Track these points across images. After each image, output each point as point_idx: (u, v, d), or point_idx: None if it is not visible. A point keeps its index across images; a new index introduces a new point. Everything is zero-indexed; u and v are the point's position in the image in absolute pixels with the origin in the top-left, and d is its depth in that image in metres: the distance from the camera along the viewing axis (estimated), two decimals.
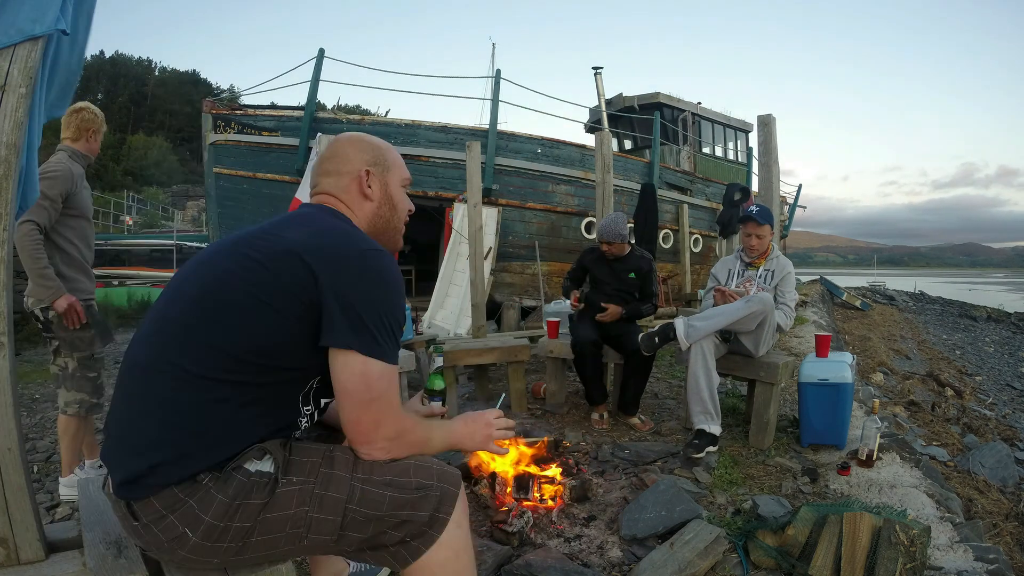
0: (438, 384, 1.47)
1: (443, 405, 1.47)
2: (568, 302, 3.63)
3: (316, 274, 1.03)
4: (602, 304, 3.42)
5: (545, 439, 2.66)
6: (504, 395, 1.87)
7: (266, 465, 1.03)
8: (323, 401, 1.19)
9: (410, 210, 1.33)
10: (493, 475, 2.40)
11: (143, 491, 0.98)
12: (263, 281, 1.04)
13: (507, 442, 2.48)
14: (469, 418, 1.30)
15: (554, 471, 2.43)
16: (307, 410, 1.15)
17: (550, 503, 2.27)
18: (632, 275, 3.50)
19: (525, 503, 2.24)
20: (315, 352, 1.06)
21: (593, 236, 8.21)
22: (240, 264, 1.06)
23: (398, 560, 1.11)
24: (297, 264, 1.04)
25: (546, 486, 2.32)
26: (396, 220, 1.29)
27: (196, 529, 0.98)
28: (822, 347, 3.00)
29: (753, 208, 3.20)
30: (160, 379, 1.02)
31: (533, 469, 2.41)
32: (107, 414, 1.11)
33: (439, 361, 1.53)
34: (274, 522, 1.01)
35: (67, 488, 2.49)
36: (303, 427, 1.16)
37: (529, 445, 2.57)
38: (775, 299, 3.04)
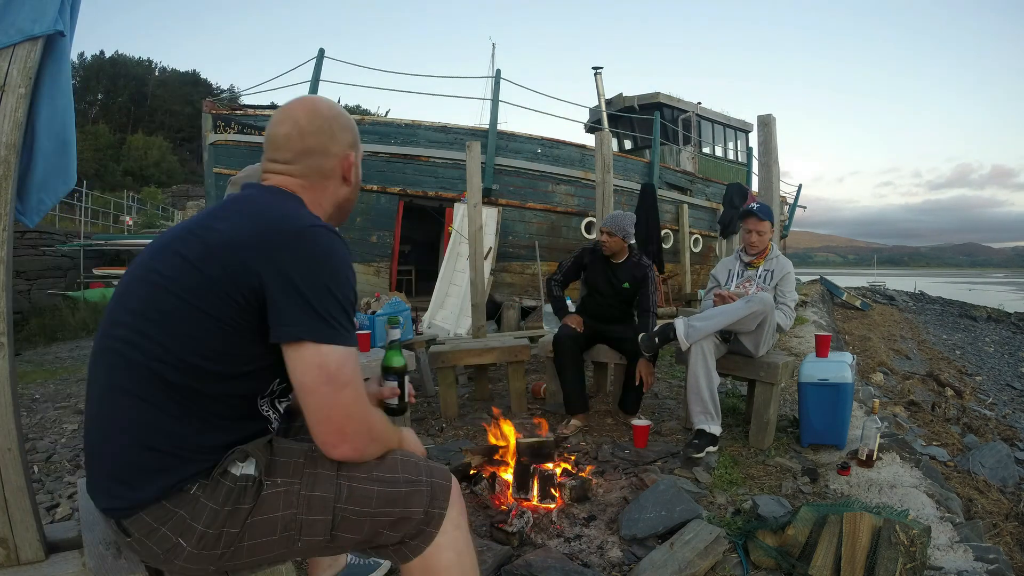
0: (396, 361, 1.26)
1: (399, 387, 1.25)
2: (562, 319, 3.45)
3: (250, 265, 0.94)
4: (635, 373, 3.23)
5: (546, 427, 2.65)
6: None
7: (250, 468, 1.00)
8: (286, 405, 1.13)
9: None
10: (493, 475, 2.40)
11: (130, 511, 0.97)
12: (195, 283, 0.95)
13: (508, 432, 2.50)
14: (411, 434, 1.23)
15: (561, 467, 2.43)
16: (273, 416, 1.10)
17: (550, 505, 2.26)
18: (627, 284, 3.40)
19: (525, 503, 2.24)
20: (267, 353, 0.98)
21: (593, 236, 8.22)
22: (173, 266, 0.98)
23: (400, 557, 1.11)
24: (229, 258, 0.95)
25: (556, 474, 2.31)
26: (356, 196, 1.20)
27: (190, 538, 0.96)
28: (822, 347, 3.00)
29: (754, 204, 3.18)
30: (114, 402, 0.98)
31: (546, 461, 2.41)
32: (84, 437, 1.06)
33: (395, 334, 1.30)
34: (265, 525, 1.00)
35: None
36: (273, 432, 1.11)
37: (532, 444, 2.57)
38: (775, 299, 3.04)
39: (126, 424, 0.96)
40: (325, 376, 0.94)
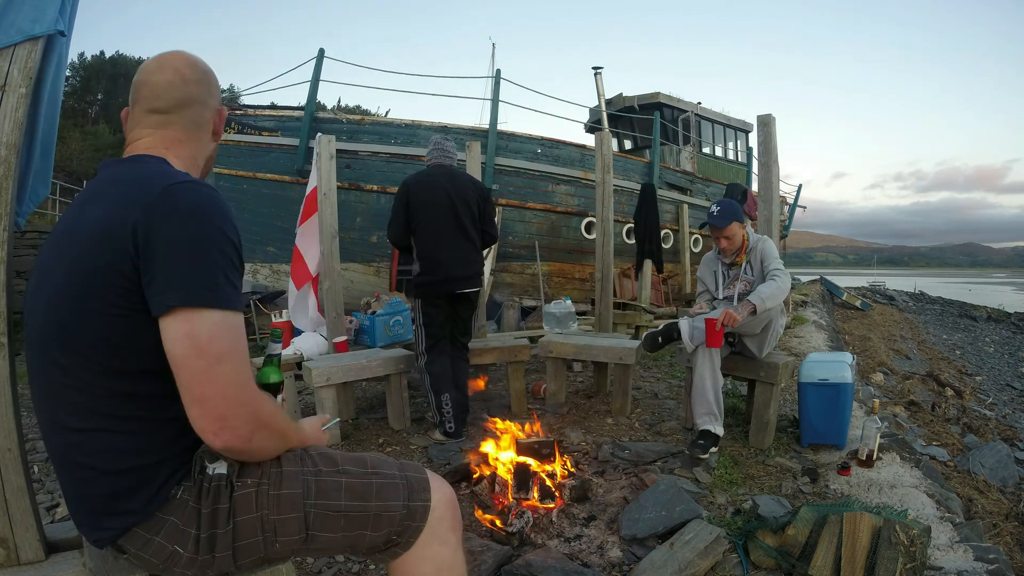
0: (272, 377, 1.18)
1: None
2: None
3: (120, 244, 0.85)
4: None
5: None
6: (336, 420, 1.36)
7: (222, 467, 0.97)
8: None
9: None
10: (493, 475, 2.40)
11: (123, 532, 0.94)
12: (80, 283, 0.88)
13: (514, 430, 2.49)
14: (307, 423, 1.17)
15: (557, 467, 2.43)
16: None
17: (548, 504, 2.26)
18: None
19: (525, 503, 2.24)
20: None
21: (593, 236, 8.21)
22: (68, 278, 0.90)
23: (391, 557, 1.09)
24: (105, 244, 0.87)
25: (551, 477, 2.31)
26: (216, 154, 1.16)
27: (185, 544, 0.94)
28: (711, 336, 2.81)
29: (714, 209, 2.97)
30: (64, 439, 0.94)
31: (534, 464, 2.41)
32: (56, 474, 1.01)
33: (275, 348, 1.22)
34: (246, 526, 0.97)
35: None
36: None
37: (534, 445, 2.57)
38: (763, 276, 2.91)
39: (81, 459, 0.92)
40: (195, 348, 0.83)
